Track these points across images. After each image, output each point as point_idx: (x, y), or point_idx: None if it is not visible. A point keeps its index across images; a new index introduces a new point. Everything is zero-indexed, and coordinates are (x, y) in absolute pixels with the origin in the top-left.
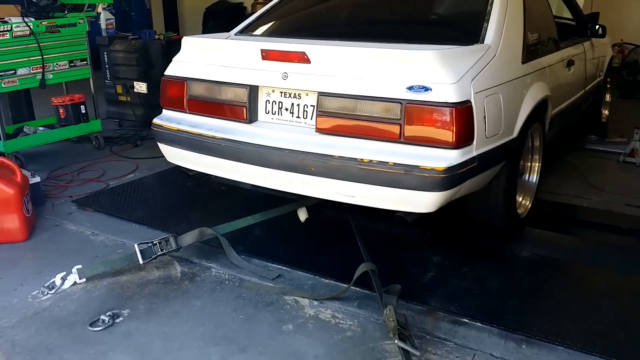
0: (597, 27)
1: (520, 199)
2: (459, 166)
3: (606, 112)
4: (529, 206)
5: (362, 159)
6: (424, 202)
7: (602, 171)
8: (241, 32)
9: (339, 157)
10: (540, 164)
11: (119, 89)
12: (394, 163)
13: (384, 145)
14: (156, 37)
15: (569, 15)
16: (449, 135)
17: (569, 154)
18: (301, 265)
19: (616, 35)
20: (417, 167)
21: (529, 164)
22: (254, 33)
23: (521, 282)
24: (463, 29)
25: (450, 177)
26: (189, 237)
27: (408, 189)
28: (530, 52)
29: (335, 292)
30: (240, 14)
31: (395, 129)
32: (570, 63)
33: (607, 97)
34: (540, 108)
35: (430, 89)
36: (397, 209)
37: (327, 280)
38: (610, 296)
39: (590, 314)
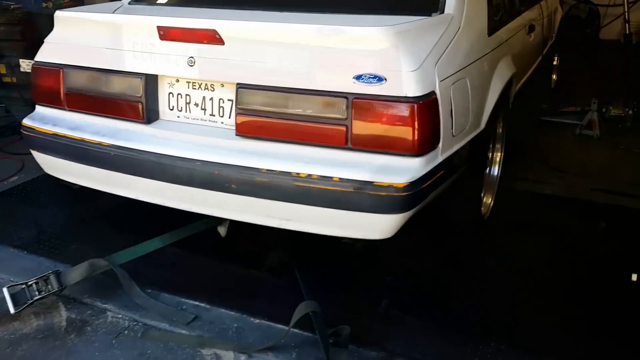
0: None
1: (483, 196)
2: (422, 179)
3: (554, 76)
4: (492, 203)
5: (298, 174)
6: (379, 227)
7: (560, 147)
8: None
9: (268, 170)
10: (502, 154)
11: (2, 69)
12: (340, 178)
13: (326, 153)
14: (44, 5)
15: None
16: (409, 140)
17: (521, 127)
18: (224, 301)
19: None
20: (371, 183)
21: (491, 154)
22: (155, 1)
23: (491, 302)
24: None
25: (413, 195)
26: (76, 273)
27: (359, 212)
28: (494, 20)
29: (267, 335)
30: None
31: (341, 132)
32: (531, 28)
33: (555, 60)
34: (505, 88)
35: (385, 79)
36: (345, 236)
37: (257, 321)
38: (592, 320)
39: (571, 347)
